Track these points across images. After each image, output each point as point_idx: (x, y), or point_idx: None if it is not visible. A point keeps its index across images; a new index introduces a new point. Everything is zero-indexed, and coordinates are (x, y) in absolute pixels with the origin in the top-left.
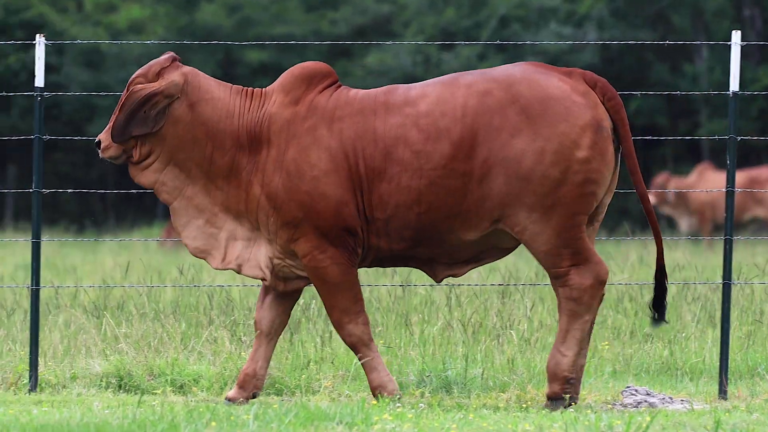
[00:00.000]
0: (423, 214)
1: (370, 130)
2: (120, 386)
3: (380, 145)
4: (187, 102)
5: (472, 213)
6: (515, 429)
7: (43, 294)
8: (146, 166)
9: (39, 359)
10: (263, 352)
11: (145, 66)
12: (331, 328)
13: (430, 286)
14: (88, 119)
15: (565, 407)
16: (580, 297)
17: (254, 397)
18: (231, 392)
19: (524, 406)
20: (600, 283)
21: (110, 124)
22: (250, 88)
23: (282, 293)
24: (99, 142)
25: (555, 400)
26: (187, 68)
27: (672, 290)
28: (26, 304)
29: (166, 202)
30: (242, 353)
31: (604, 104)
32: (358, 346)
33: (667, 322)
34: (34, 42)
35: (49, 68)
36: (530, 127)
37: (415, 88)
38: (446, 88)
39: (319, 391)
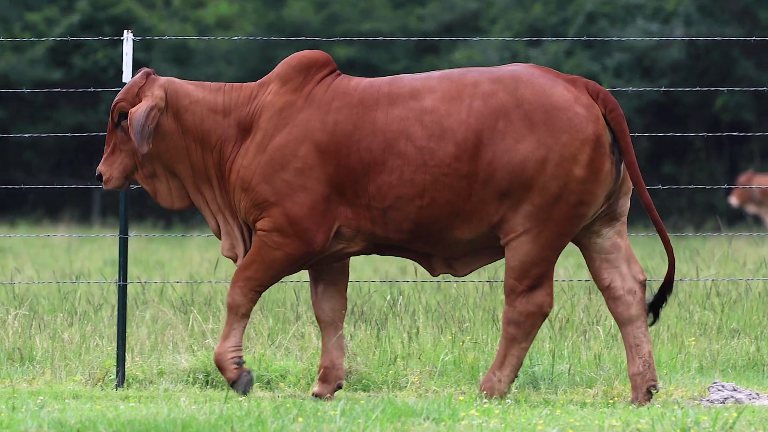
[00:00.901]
0: (425, 208)
1: (369, 121)
2: (207, 382)
3: (380, 137)
4: (170, 113)
5: (474, 214)
6: (602, 425)
7: (131, 290)
8: (168, 189)
9: (126, 355)
10: (335, 342)
11: (123, 89)
12: (419, 323)
13: None
14: None
15: None
16: (521, 322)
17: (339, 388)
18: (316, 388)
19: (611, 401)
20: (542, 314)
21: (105, 155)
22: (237, 84)
23: (329, 278)
24: (100, 175)
25: None
26: (163, 79)
27: (759, 286)
28: (113, 299)
29: (179, 209)
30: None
31: (605, 116)
32: (232, 312)
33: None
34: (122, 38)
35: (137, 64)
36: (533, 134)
37: (420, 80)
38: (453, 85)
39: (406, 386)
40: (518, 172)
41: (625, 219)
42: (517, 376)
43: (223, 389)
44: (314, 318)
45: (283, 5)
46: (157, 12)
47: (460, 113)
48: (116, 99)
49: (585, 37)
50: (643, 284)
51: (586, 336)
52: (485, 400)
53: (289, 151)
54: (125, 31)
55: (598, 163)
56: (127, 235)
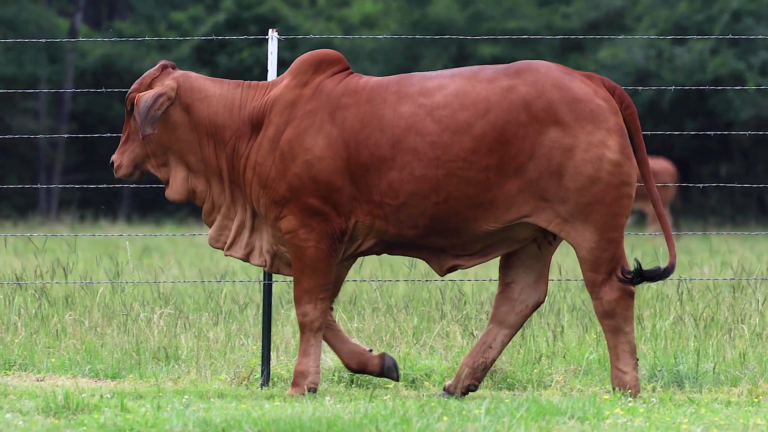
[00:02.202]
0: (441, 204)
1: (377, 118)
2: (352, 381)
3: (387, 133)
4: (181, 105)
5: (499, 205)
6: (746, 423)
7: (276, 288)
8: (174, 181)
9: (271, 354)
10: (338, 339)
11: (138, 80)
12: (563, 322)
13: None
14: None
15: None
16: (612, 310)
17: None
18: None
19: (756, 400)
20: (629, 295)
21: (120, 144)
22: (254, 81)
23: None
24: (113, 163)
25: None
26: (178, 72)
27: None
28: (258, 298)
29: (200, 205)
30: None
31: (621, 112)
32: (306, 328)
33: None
34: (267, 37)
35: (282, 63)
36: (557, 124)
37: (432, 78)
38: (466, 81)
39: (550, 385)
40: (546, 162)
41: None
42: (637, 359)
43: (368, 388)
44: (459, 317)
45: (428, 3)
46: (302, 11)
47: (477, 107)
48: (130, 89)
49: (730, 35)
50: (538, 304)
51: (731, 335)
52: (629, 399)
53: (298, 144)
54: (270, 30)
55: (628, 149)
56: None
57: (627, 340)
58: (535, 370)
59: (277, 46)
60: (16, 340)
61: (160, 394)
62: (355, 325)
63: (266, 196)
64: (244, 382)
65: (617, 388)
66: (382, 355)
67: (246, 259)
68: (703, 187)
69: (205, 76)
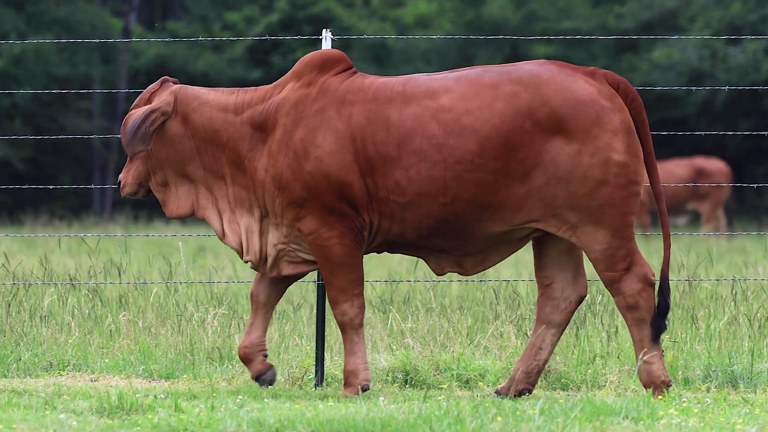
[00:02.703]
0: (448, 205)
1: (382, 117)
2: (406, 381)
3: (393, 133)
4: (179, 117)
5: (506, 208)
6: None
7: None
8: (175, 198)
9: (325, 354)
10: (259, 323)
11: (139, 97)
12: (617, 322)
13: (716, 280)
14: None
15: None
16: (636, 303)
17: (265, 357)
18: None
19: None
20: (649, 284)
21: (127, 163)
22: (251, 87)
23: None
24: (119, 182)
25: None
26: (176, 86)
27: None
28: (312, 299)
29: (201, 218)
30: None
31: (626, 106)
32: (347, 327)
33: (664, 334)
34: (320, 37)
35: None
36: (562, 131)
37: (437, 80)
38: (471, 86)
39: (604, 385)
40: (552, 168)
41: None
42: (662, 348)
43: (422, 388)
44: (513, 317)
45: (482, 3)
46: (356, 11)
47: (482, 112)
48: (132, 106)
49: None
50: (581, 299)
51: None
52: (659, 392)
53: (309, 142)
54: (324, 31)
55: (635, 147)
56: None
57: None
58: (589, 371)
59: (330, 46)
60: (69, 341)
61: (214, 395)
62: (409, 325)
63: (282, 197)
64: (298, 383)
65: (646, 382)
66: (270, 366)
67: (258, 267)
68: (757, 187)
69: (202, 87)
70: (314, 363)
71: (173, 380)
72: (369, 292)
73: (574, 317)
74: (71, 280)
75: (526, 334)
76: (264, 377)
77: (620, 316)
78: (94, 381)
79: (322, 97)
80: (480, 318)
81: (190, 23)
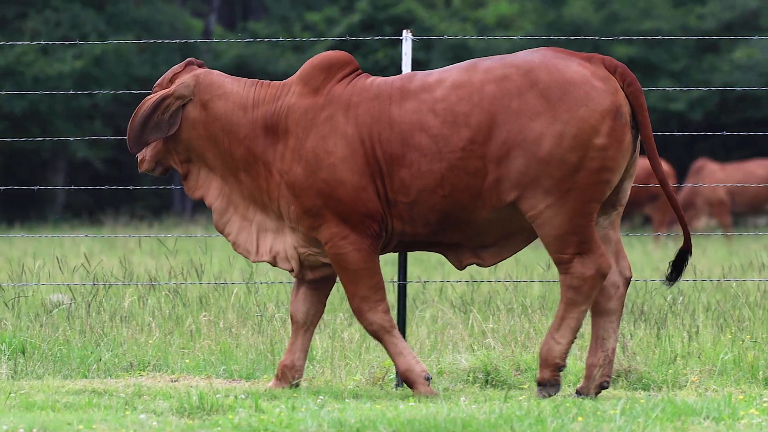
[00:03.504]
0: (448, 197)
1: (385, 115)
2: (487, 381)
3: (396, 131)
4: (200, 102)
5: (492, 192)
6: None
7: (410, 289)
8: (196, 179)
9: None
10: (300, 344)
11: (162, 77)
12: (698, 322)
13: None
14: None
15: (555, 394)
16: (580, 286)
17: (296, 386)
18: (270, 382)
19: None
20: (601, 275)
21: None
22: (268, 81)
23: (313, 283)
24: (137, 158)
25: (545, 385)
26: (200, 69)
27: None
28: (393, 299)
29: (209, 205)
30: None
31: (623, 90)
32: (380, 333)
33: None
34: (401, 38)
35: (417, 64)
36: (549, 111)
37: (433, 74)
38: (464, 73)
39: (685, 385)
40: (534, 149)
41: (621, 209)
42: (575, 338)
43: (503, 388)
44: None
45: (563, 4)
46: (437, 12)
47: (472, 97)
48: (155, 84)
49: None
50: (627, 281)
51: None
52: (548, 371)
53: (321, 150)
54: (404, 31)
55: (619, 132)
56: None
57: (577, 317)
58: (670, 371)
59: (411, 47)
60: (150, 341)
61: (295, 395)
62: (491, 325)
63: (297, 204)
64: (379, 383)
65: (544, 357)
66: (296, 384)
67: (273, 263)
68: None
69: (227, 75)
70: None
71: (254, 380)
72: (449, 292)
73: (654, 317)
74: (152, 280)
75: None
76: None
77: (701, 316)
78: (175, 381)
79: (330, 105)
80: None
81: (271, 24)
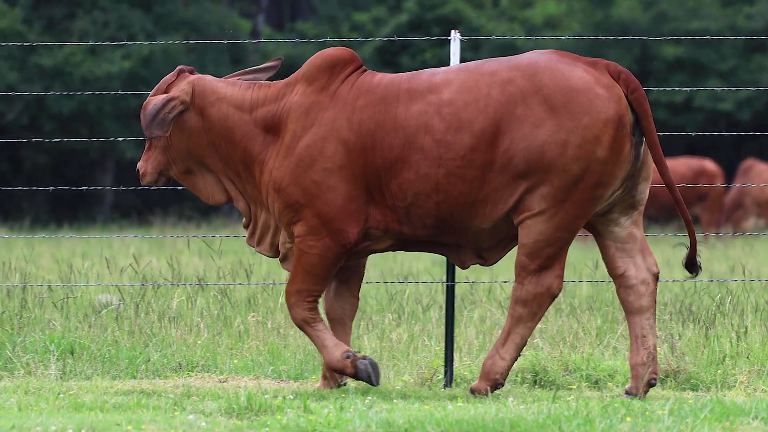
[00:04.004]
0: (441, 203)
1: (390, 118)
2: (535, 381)
3: (400, 134)
4: (196, 109)
5: (488, 202)
6: None
7: (459, 289)
8: (203, 185)
9: (454, 355)
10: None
11: (155, 87)
12: (746, 322)
13: None
14: None
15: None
16: (528, 301)
17: (341, 385)
18: (318, 383)
19: None
20: (550, 296)
21: (144, 151)
22: (266, 82)
23: (342, 276)
24: (138, 170)
25: (476, 394)
26: (193, 77)
27: None
28: (441, 299)
29: (217, 204)
30: (657, 348)
31: (627, 96)
32: (305, 326)
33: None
34: (449, 38)
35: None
36: (553, 118)
37: (439, 74)
38: (470, 75)
39: (734, 386)
40: (537, 156)
41: (642, 209)
42: (519, 355)
43: (551, 389)
44: None
45: (611, 4)
46: (485, 12)
47: (478, 103)
48: (149, 95)
49: None
50: (656, 276)
51: None
52: (484, 385)
53: (317, 151)
54: (452, 31)
55: (619, 143)
56: None
57: (522, 334)
58: (718, 371)
59: (459, 47)
60: (198, 342)
61: (343, 395)
62: (539, 326)
63: (279, 200)
64: (427, 383)
65: (486, 371)
66: (340, 384)
67: (275, 257)
68: None
69: (219, 79)
70: (443, 364)
71: (302, 381)
72: (498, 292)
73: (703, 317)
74: (200, 281)
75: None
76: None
77: (750, 316)
78: (223, 382)
79: (334, 106)
80: (609, 318)
81: (319, 24)
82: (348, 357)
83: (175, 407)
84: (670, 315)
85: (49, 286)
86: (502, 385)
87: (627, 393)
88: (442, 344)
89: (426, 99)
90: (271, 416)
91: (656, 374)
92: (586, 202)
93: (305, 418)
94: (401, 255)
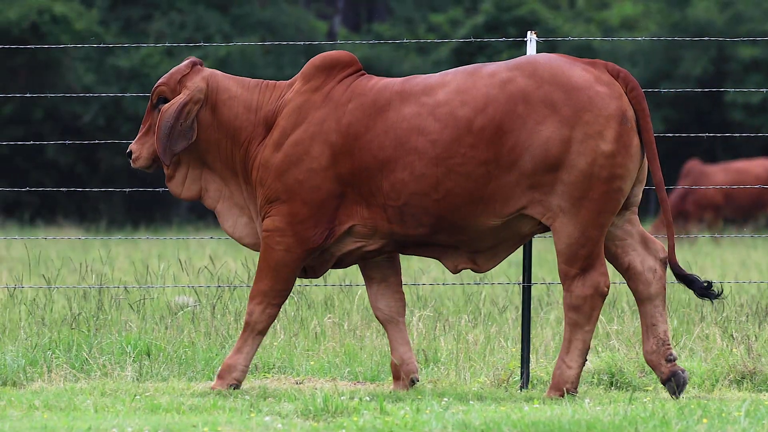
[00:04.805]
0: (441, 201)
1: (381, 120)
2: (611, 383)
3: (391, 135)
4: (209, 105)
5: (498, 198)
6: None
7: (535, 291)
8: (183, 178)
9: (530, 356)
10: (398, 338)
11: (166, 74)
12: None
13: None
14: None
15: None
16: (579, 306)
17: (414, 382)
18: (392, 385)
19: None
20: (600, 295)
21: (139, 135)
22: (273, 81)
23: (379, 276)
24: (130, 153)
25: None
26: (207, 71)
27: None
28: (518, 301)
29: (211, 207)
30: (733, 349)
31: (626, 95)
32: (248, 327)
33: (720, 297)
34: (525, 39)
35: None
36: (554, 115)
37: (434, 77)
38: (468, 77)
39: None
40: (542, 153)
41: (635, 209)
42: (586, 360)
43: (627, 390)
44: (719, 319)
45: (687, 5)
46: (561, 13)
47: (476, 102)
48: (158, 83)
49: None
50: (664, 262)
51: None
52: (557, 393)
53: (303, 149)
54: (529, 32)
55: (626, 137)
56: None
57: (583, 339)
58: None
59: (535, 48)
60: (275, 343)
61: (419, 397)
62: (615, 327)
63: (262, 194)
64: (504, 385)
65: (556, 381)
66: (412, 381)
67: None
68: None
69: (231, 76)
70: (519, 365)
71: (378, 382)
72: None
73: None
74: None
75: (731, 336)
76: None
77: None
78: (299, 383)
79: (325, 107)
80: (685, 320)
81: (395, 25)
82: (234, 387)
83: (252, 409)
84: (747, 316)
85: (126, 287)
86: (574, 392)
87: (664, 385)
88: (519, 346)
89: (419, 101)
90: (347, 418)
91: (671, 354)
92: (606, 197)
93: (381, 420)
94: None
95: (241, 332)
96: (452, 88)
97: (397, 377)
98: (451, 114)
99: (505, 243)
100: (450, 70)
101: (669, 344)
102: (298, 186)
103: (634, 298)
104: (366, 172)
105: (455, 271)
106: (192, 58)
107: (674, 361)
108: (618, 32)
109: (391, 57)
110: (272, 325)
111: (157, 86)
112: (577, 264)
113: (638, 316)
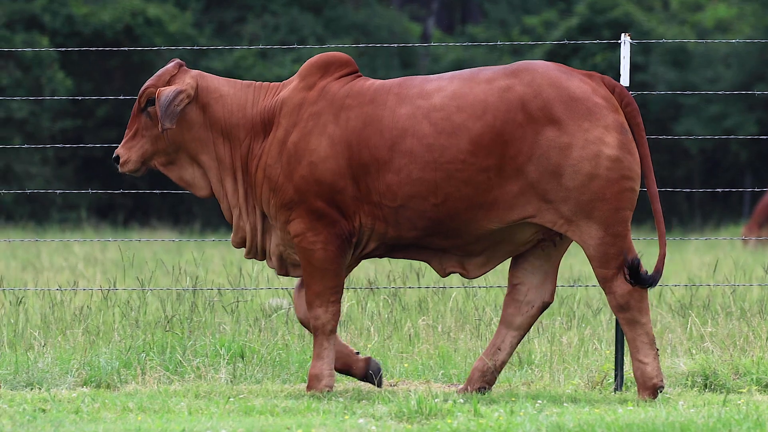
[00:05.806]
0: (440, 205)
1: (377, 120)
2: (705, 385)
3: (386, 136)
4: (198, 104)
5: (501, 205)
6: None
7: None
8: (196, 178)
9: (624, 358)
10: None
11: (154, 76)
12: None
13: None
14: (673, 118)
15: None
16: (627, 303)
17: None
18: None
19: None
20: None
21: (126, 139)
22: (265, 83)
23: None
24: (117, 158)
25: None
26: (195, 71)
27: None
28: None
29: (203, 197)
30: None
31: (622, 110)
32: (319, 332)
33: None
34: (619, 41)
35: (635, 67)
36: (554, 123)
37: (432, 80)
38: (465, 83)
39: None
40: (544, 162)
41: (562, 250)
42: (657, 350)
43: (721, 392)
44: None
45: None
46: (655, 15)
47: (474, 109)
48: (145, 85)
49: None
50: (544, 306)
51: None
52: (649, 394)
53: (303, 146)
54: (623, 35)
55: (629, 145)
56: None
57: (645, 332)
58: None
59: (629, 50)
60: (369, 345)
61: (513, 399)
62: (709, 329)
63: (275, 198)
64: (598, 387)
65: (641, 382)
66: (368, 359)
67: (264, 260)
68: None
69: (219, 77)
70: (614, 367)
71: None
72: (668, 296)
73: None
74: (370, 284)
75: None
76: (370, 372)
77: None
78: (394, 386)
79: (320, 101)
80: None
81: (489, 27)
82: (328, 389)
83: (345, 411)
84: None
85: (219, 290)
86: (663, 387)
87: (457, 393)
88: (613, 348)
89: (415, 104)
90: (441, 420)
91: (489, 386)
92: (619, 195)
93: (475, 422)
94: (568, 258)
95: (314, 339)
96: (448, 93)
97: (471, 379)
98: (446, 119)
99: (500, 250)
100: (446, 73)
101: (495, 375)
102: (304, 182)
103: (502, 312)
104: (363, 167)
105: (444, 275)
106: (177, 60)
107: (484, 393)
108: (712, 34)
109: (485, 59)
110: (366, 327)
111: (145, 88)
112: (612, 264)
113: (732, 318)
